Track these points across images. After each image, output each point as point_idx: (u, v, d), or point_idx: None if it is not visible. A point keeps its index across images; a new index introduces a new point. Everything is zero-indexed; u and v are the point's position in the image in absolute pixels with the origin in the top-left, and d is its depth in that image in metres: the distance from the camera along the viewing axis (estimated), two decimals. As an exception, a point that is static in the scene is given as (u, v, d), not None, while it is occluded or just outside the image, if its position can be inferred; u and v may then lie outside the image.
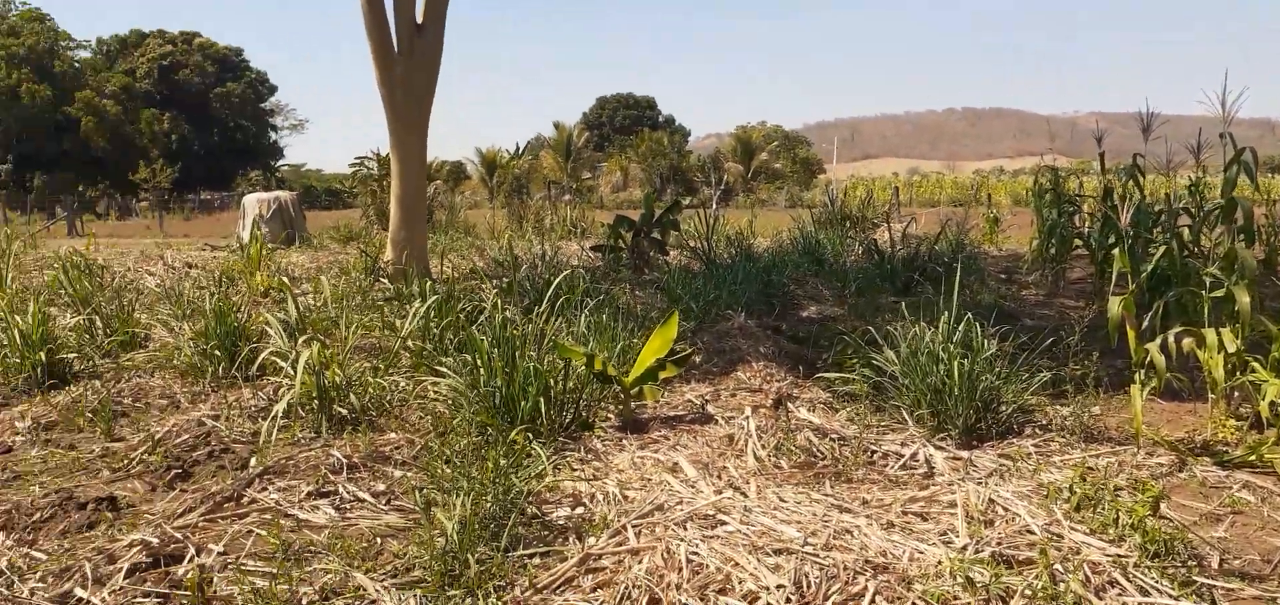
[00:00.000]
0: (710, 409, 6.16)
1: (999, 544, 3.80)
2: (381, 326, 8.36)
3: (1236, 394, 5.49)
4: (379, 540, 4.24)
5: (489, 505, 4.18)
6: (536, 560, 3.96)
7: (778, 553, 3.79)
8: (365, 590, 3.69)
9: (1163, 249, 6.84)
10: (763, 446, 5.22)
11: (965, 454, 5.19)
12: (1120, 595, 3.39)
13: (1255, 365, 5.18)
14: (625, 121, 76.87)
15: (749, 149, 53.37)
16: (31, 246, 18.07)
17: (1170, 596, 3.38)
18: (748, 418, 5.62)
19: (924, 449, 5.21)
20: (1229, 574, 3.67)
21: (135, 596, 3.63)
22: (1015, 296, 10.63)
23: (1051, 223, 11.83)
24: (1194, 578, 3.58)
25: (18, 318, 7.68)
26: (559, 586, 3.68)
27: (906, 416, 5.69)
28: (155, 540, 4.08)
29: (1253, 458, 4.88)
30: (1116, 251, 5.77)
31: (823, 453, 5.18)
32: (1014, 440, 5.42)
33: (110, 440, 5.88)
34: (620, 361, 6.52)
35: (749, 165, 51.95)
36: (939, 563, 3.65)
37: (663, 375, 6.09)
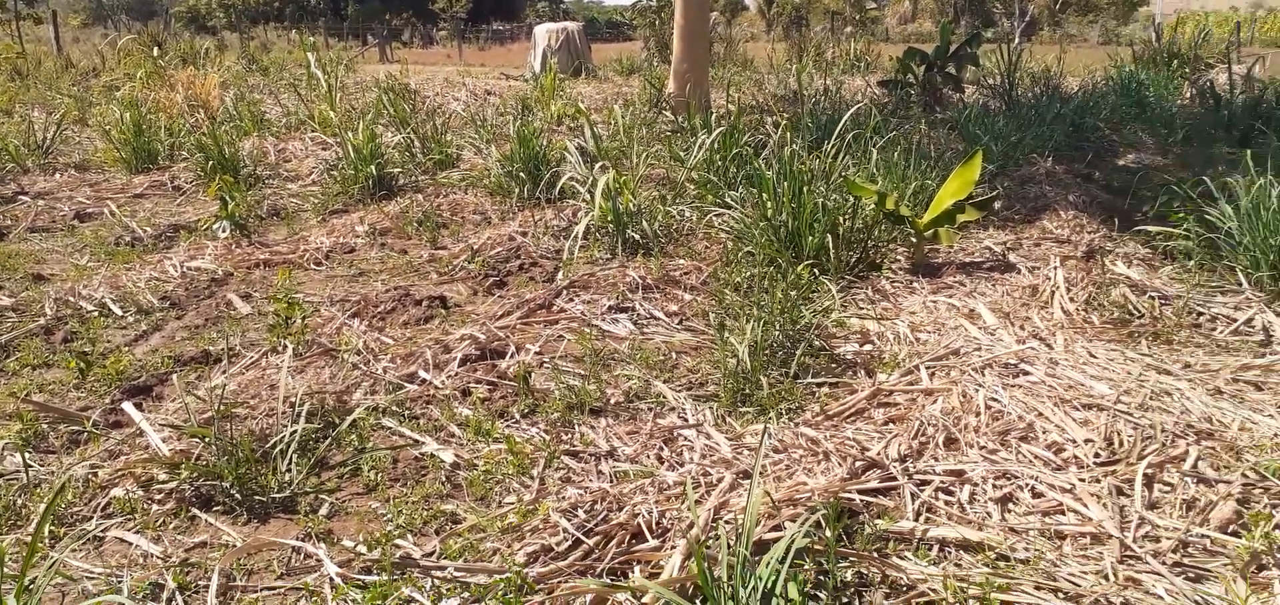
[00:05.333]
0: (1011, 257, 5.84)
1: (1356, 424, 3.38)
2: (668, 157, 8.57)
3: None
4: (674, 355, 4.46)
5: (777, 333, 4.27)
6: (825, 390, 4.02)
7: (1086, 408, 3.60)
8: (665, 397, 3.93)
9: None
10: (1071, 299, 4.90)
11: (1315, 324, 4.60)
12: None
13: None
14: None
15: (1056, -22, 48.15)
16: (351, 70, 19.99)
17: None
18: (1054, 268, 5.27)
19: (1262, 315, 4.66)
20: None
21: (469, 382, 4.09)
22: (1388, 152, 9.04)
23: None
24: None
25: (350, 135, 8.62)
26: (849, 416, 3.73)
27: (1242, 278, 5.09)
28: (482, 336, 4.55)
29: None
30: None
31: (1140, 310, 4.78)
32: (1379, 313, 4.72)
33: (435, 247, 6.54)
34: (913, 203, 6.29)
35: (1055, -3, 46.97)
36: (1276, 435, 3.32)
37: (961, 219, 5.82)
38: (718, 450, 3.45)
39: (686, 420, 3.73)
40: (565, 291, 5.33)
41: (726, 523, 2.78)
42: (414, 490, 3.29)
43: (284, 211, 7.85)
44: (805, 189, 5.66)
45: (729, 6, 52.04)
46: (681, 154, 8.34)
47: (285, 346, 4.37)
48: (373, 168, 8.24)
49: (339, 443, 3.63)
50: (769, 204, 5.82)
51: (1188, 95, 11.99)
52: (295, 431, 3.48)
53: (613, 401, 3.90)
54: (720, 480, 3.11)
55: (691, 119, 9.50)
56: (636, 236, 6.33)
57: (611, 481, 3.23)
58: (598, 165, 7.17)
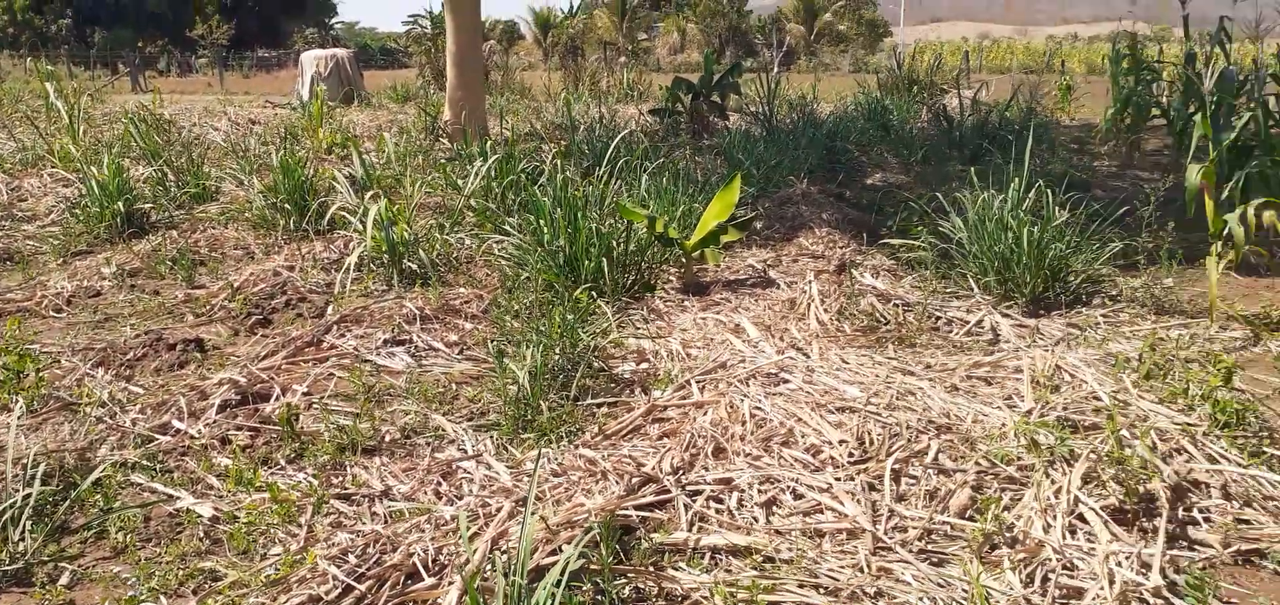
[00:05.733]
0: (772, 274, 6.19)
1: (1065, 409, 3.82)
2: (444, 185, 8.45)
3: (1317, 270, 5.36)
4: (454, 386, 4.40)
5: (557, 357, 4.30)
6: (604, 409, 4.09)
7: (840, 410, 3.86)
8: (444, 430, 3.86)
9: (1248, 116, 6.57)
10: (825, 310, 5.25)
11: (1032, 322, 5.17)
12: (1188, 461, 3.41)
13: (1339, 240, 5.03)
14: (683, -20, 74.64)
15: (812, 10, 51.65)
16: (99, 101, 18.38)
17: (1239, 465, 3.39)
18: (810, 282, 5.63)
19: (990, 316, 5.20)
20: (1300, 446, 3.65)
21: (228, 429, 3.85)
22: (1087, 167, 10.33)
23: (1127, 91, 11.38)
24: (1265, 449, 3.57)
25: (94, 169, 7.92)
26: (627, 434, 3.81)
27: (973, 284, 5.66)
28: (243, 379, 4.29)
29: (1330, 334, 4.79)
30: (1198, 117, 5.59)
31: (886, 317, 5.20)
32: (1083, 310, 5.38)
33: (191, 286, 6.11)
34: (681, 225, 6.54)
35: (812, 27, 50.37)
36: (1003, 425, 3.69)
37: (724, 239, 6.10)
38: (498, 479, 3.43)
39: (466, 452, 3.68)
40: (336, 327, 5.13)
41: (504, 552, 2.76)
42: (168, 550, 3.05)
43: (18, 255, 7.09)
44: (580, 215, 5.75)
45: (505, 34, 52.09)
46: (458, 181, 8.26)
47: (16, 402, 3.93)
48: (120, 204, 7.59)
49: (81, 504, 3.31)
50: (546, 230, 5.88)
51: (925, 118, 13.18)
52: (29, 496, 3.14)
53: (388, 439, 3.79)
54: (499, 510, 3.09)
55: (468, 146, 9.43)
56: (413, 266, 6.21)
57: (386, 522, 3.13)
58: (369, 194, 6.96)
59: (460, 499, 3.28)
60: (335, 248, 6.78)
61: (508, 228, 6.59)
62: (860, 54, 41.97)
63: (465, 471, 3.50)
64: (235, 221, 7.80)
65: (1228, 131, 6.49)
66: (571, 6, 44.09)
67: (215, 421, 3.93)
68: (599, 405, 4.14)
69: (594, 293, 5.43)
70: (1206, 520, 3.12)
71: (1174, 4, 10.33)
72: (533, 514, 2.69)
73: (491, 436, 3.81)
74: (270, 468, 3.60)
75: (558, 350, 4.33)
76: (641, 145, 8.06)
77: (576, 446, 3.67)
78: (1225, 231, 5.16)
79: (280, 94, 23.01)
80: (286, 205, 7.48)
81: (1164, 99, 11.29)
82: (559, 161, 6.64)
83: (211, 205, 8.49)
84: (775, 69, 16.64)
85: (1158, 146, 11.66)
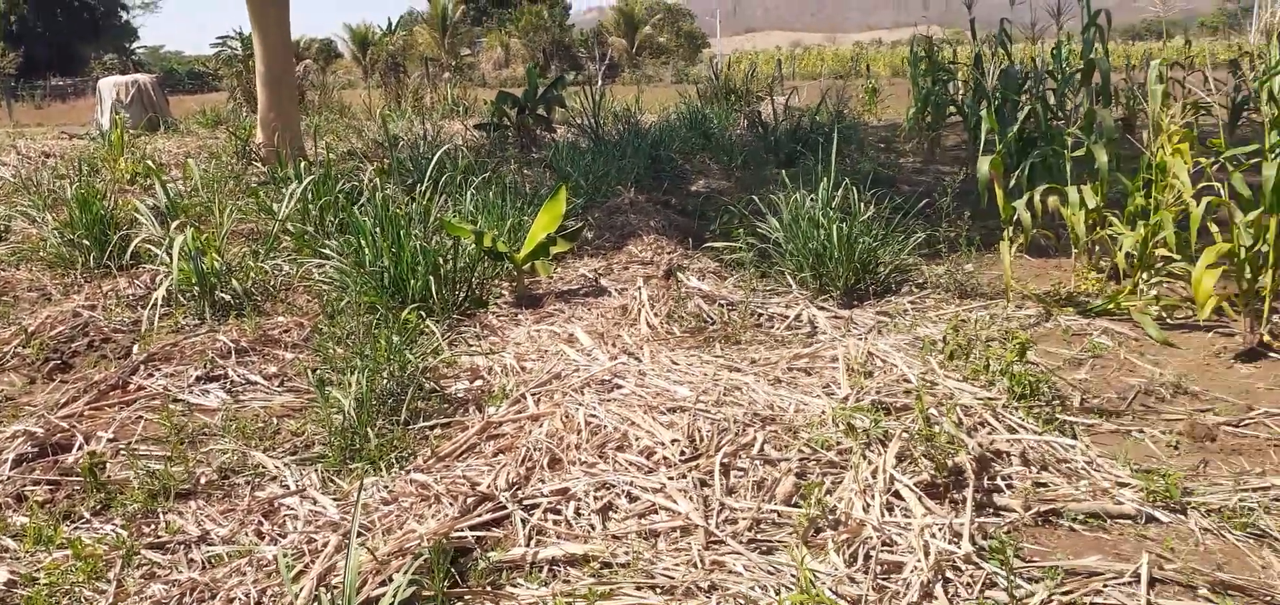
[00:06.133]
0: (603, 282, 6.25)
1: (878, 393, 4.05)
2: (258, 210, 8.08)
3: (1097, 248, 5.88)
4: (275, 420, 4.21)
5: (385, 382, 4.19)
6: (437, 431, 4.02)
7: (672, 411, 3.95)
8: (265, 467, 3.69)
9: (1027, 110, 7.16)
10: (655, 315, 5.35)
11: (846, 313, 5.45)
12: (990, 434, 3.68)
13: (1113, 219, 5.55)
14: (504, -6, 74.23)
15: (632, 22, 52.61)
16: None
17: (1035, 433, 3.69)
18: (640, 288, 5.73)
19: (807, 310, 5.44)
20: (1089, 411, 4.01)
21: (25, 485, 3.54)
22: (893, 164, 10.99)
23: (926, 92, 12.18)
24: (1057, 416, 3.91)
25: None
26: (461, 454, 3.76)
27: (790, 280, 5.91)
28: (40, 430, 3.96)
29: (1111, 306, 5.27)
30: (984, 113, 6.03)
31: (712, 318, 5.36)
32: (892, 298, 5.72)
33: (-25, 336, 5.58)
34: (511, 239, 6.51)
35: (633, 39, 51.29)
36: (822, 412, 3.87)
37: (554, 250, 6.13)
38: (325, 513, 3.30)
39: (289, 487, 3.53)
40: (144, 366, 4.81)
41: (330, 589, 2.66)
42: (-47, 627, 2.77)
43: None
44: (403, 233, 5.63)
45: (322, 53, 50.36)
46: (273, 205, 7.91)
47: None
48: (-118, 251, 6.85)
49: None
50: (367, 251, 5.72)
51: (743, 125, 13.64)
52: None
53: (204, 481, 3.59)
54: (326, 545, 2.98)
55: (283, 169, 9.04)
56: (227, 297, 5.89)
57: (203, 569, 2.96)
58: (175, 224, 6.56)
59: (284, 537, 3.14)
60: (141, 283, 6.36)
61: (327, 251, 6.37)
62: (681, 65, 43.03)
63: (289, 508, 3.36)
64: (28, 261, 7.17)
65: (1012, 125, 7.05)
66: (390, 23, 43.04)
67: (9, 478, 3.61)
68: (432, 427, 4.07)
69: (423, 312, 5.33)
70: (1009, 487, 3.37)
71: (964, 9, 11.10)
72: (361, 545, 2.61)
73: (317, 469, 3.67)
74: (73, 522, 3.33)
75: (386, 374, 4.22)
76: (465, 160, 7.97)
77: (408, 471, 3.59)
78: (1015, 218, 5.59)
79: (78, 124, 21.37)
80: (85, 241, 6.95)
81: (959, 97, 12.13)
82: (379, 179, 6.47)
83: (0, 246, 7.79)
84: (600, 81, 16.83)
85: (957, 142, 12.52)
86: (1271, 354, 4.57)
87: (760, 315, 5.45)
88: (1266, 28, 4.85)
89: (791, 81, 29.04)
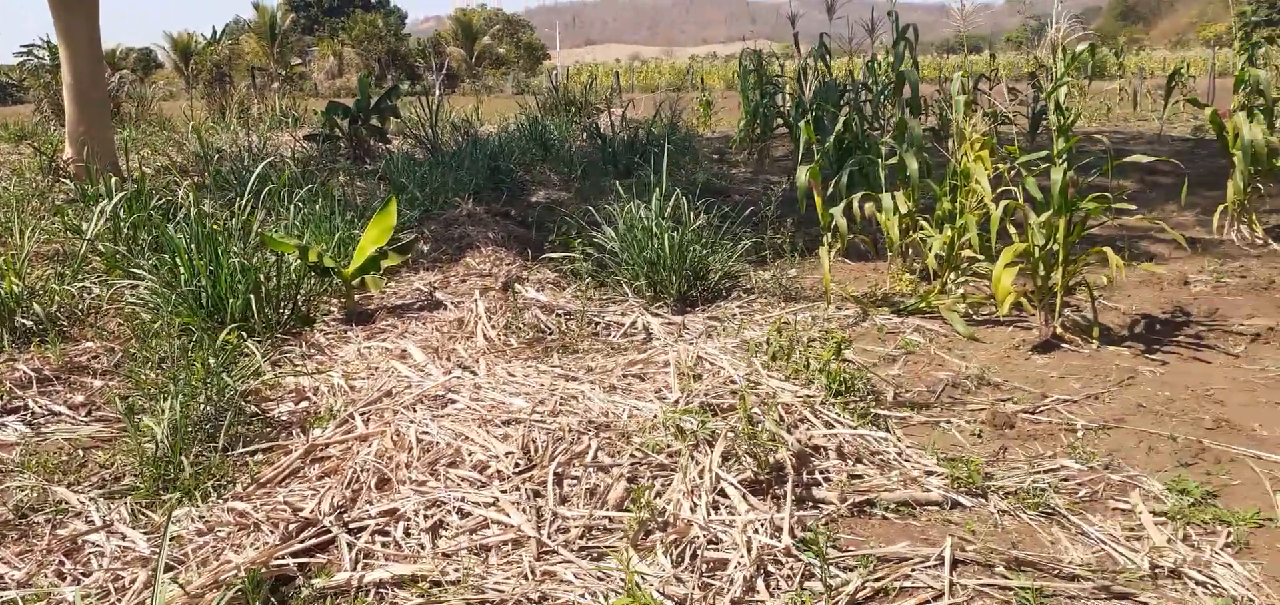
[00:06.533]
0: (439, 295, 6.16)
1: (706, 395, 4.16)
2: (65, 229, 7.52)
3: (910, 250, 6.24)
4: (81, 453, 3.93)
5: (203, 407, 3.99)
6: (259, 456, 3.86)
7: (506, 424, 3.93)
8: (69, 503, 3.44)
9: (843, 120, 7.53)
10: (492, 327, 5.31)
11: (679, 319, 5.58)
12: (809, 429, 3.84)
13: (924, 223, 5.91)
14: (335, 2, 72.05)
15: (470, 33, 52.06)
16: None
17: (850, 427, 3.88)
18: (477, 300, 5.67)
19: (642, 317, 5.53)
20: (901, 404, 4.26)
21: None
22: (725, 174, 11.32)
23: (755, 104, 12.61)
24: (871, 410, 4.12)
25: None
26: (284, 478, 3.62)
27: (626, 289, 5.99)
28: None
29: (922, 305, 5.61)
30: (803, 123, 6.31)
31: (550, 328, 5.37)
32: (722, 303, 5.89)
33: None
34: (340, 253, 6.32)
35: (472, 50, 50.74)
36: (654, 417, 3.94)
37: (386, 264, 5.99)
38: (134, 549, 3.11)
39: (95, 523, 3.30)
40: (-77, 404, 4.38)
41: (136, 626, 2.51)
42: None
43: None
44: (222, 250, 5.37)
45: (140, 63, 47.36)
46: (81, 224, 7.37)
47: None
48: None
49: None
50: (183, 270, 5.43)
51: (583, 137, 13.74)
52: None
53: (-5, 522, 3.31)
54: (134, 581, 2.81)
55: (92, 186, 8.45)
56: (29, 323, 5.46)
57: (-9, 618, 2.73)
58: (-37, 247, 6.03)
59: (88, 576, 2.94)
60: (-78, 312, 5.79)
61: (139, 271, 6.00)
62: (521, 76, 42.93)
63: (94, 545, 3.14)
64: None
65: (830, 134, 7.40)
66: (215, 31, 40.93)
67: None
68: (253, 452, 3.89)
69: (243, 333, 5.10)
70: (826, 480, 3.53)
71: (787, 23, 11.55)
72: (171, 579, 2.48)
73: (127, 503, 3.45)
74: None
75: (203, 399, 4.01)
76: (288, 171, 7.67)
77: (226, 500, 3.42)
78: (833, 224, 5.87)
79: None
80: None
81: (785, 110, 12.63)
82: (193, 194, 6.15)
83: None
84: (438, 92, 16.56)
85: (785, 152, 13.01)
86: (1064, 345, 4.98)
87: (598, 324, 5.50)
88: (1052, 42, 5.28)
89: (630, 94, 29.43)
